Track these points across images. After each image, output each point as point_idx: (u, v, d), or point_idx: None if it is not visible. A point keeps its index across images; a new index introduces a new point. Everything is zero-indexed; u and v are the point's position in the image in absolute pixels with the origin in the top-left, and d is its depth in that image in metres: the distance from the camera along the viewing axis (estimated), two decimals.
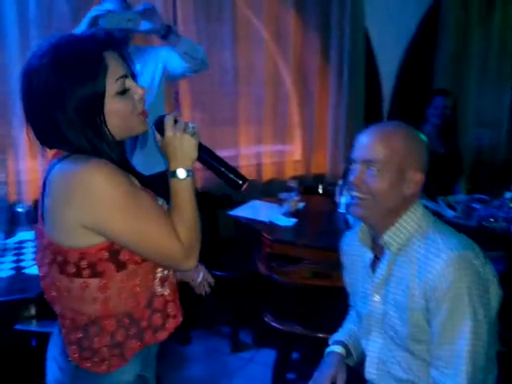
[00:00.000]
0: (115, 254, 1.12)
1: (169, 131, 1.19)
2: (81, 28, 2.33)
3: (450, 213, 2.83)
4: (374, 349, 1.46)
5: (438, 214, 2.72)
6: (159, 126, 1.21)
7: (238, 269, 2.96)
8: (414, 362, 1.36)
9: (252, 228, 2.76)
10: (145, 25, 2.38)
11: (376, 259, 1.44)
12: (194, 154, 1.20)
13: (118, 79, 1.12)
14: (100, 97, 1.10)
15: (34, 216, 1.24)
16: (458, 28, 4.06)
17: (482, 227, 2.65)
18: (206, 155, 1.23)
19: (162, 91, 2.69)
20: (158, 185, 1.27)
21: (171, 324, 1.25)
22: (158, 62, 2.61)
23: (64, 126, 1.09)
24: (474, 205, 2.85)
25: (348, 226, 2.59)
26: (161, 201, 1.25)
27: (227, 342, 3.01)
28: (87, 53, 1.10)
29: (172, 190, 1.19)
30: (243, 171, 3.56)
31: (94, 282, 1.13)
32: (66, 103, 1.07)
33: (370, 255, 1.46)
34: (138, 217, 1.11)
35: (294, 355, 2.57)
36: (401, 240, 1.36)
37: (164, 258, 1.17)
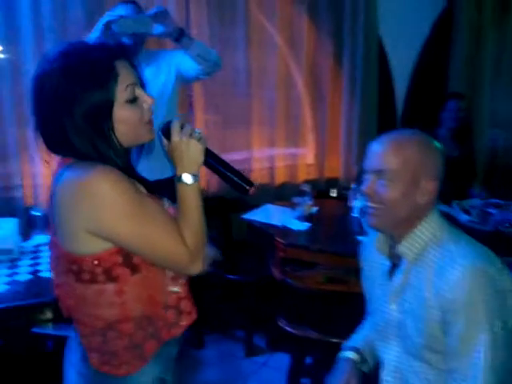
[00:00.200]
0: (128, 257, 1.14)
1: (175, 136, 1.20)
2: (94, 34, 2.35)
3: (464, 217, 2.81)
4: (391, 357, 1.45)
5: (452, 219, 2.70)
6: (166, 131, 1.22)
7: (251, 273, 2.96)
8: (431, 372, 1.35)
9: (265, 232, 2.76)
10: (157, 28, 2.39)
11: (393, 267, 1.43)
12: (201, 159, 1.21)
13: (127, 87, 1.13)
14: (109, 104, 1.11)
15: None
16: (471, 30, 4.03)
17: (498, 232, 2.63)
18: (212, 160, 1.24)
19: (176, 94, 2.71)
20: (164, 190, 1.29)
21: (186, 320, 1.27)
22: (171, 66, 2.62)
23: (71, 131, 1.10)
24: (490, 209, 2.82)
25: (362, 231, 2.58)
26: (166, 203, 1.25)
27: (241, 346, 3.01)
28: (98, 61, 1.11)
29: (178, 195, 1.20)
30: (256, 174, 3.60)
31: (110, 287, 1.14)
32: (75, 109, 1.09)
33: (387, 263, 1.46)
34: (144, 223, 1.12)
35: (308, 360, 2.56)
36: (416, 249, 1.35)
37: (170, 262, 1.18)
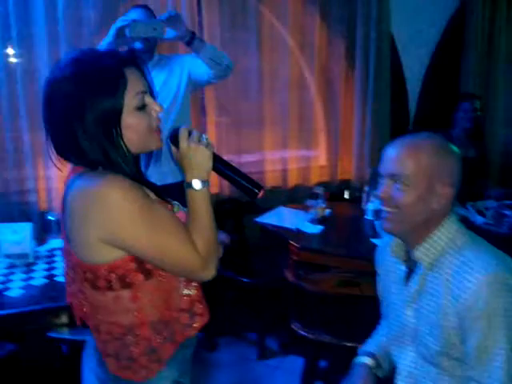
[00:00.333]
0: (142, 263, 1.14)
1: (183, 143, 1.20)
2: (107, 39, 2.37)
3: (479, 219, 2.79)
4: (406, 362, 1.44)
5: (466, 220, 2.68)
6: (173, 138, 1.23)
7: (265, 276, 2.96)
8: (446, 379, 1.34)
9: (279, 235, 2.76)
10: (170, 32, 2.40)
11: (409, 272, 1.42)
12: (209, 164, 1.21)
13: (137, 94, 1.14)
14: (119, 110, 1.12)
15: None
16: (484, 30, 4.00)
17: None
18: (220, 165, 1.25)
19: (188, 98, 2.72)
20: (173, 195, 1.30)
21: (199, 322, 1.28)
22: (183, 69, 2.64)
23: (81, 137, 1.11)
24: (505, 211, 2.79)
25: (375, 234, 2.57)
26: (176, 206, 1.26)
27: (254, 349, 3.01)
28: (108, 68, 1.12)
29: (188, 200, 1.21)
30: (269, 177, 3.60)
31: (125, 294, 1.15)
32: (86, 115, 1.09)
33: (403, 268, 1.45)
34: (155, 230, 1.12)
35: (322, 363, 2.56)
36: (433, 255, 1.34)
37: (182, 269, 1.18)
